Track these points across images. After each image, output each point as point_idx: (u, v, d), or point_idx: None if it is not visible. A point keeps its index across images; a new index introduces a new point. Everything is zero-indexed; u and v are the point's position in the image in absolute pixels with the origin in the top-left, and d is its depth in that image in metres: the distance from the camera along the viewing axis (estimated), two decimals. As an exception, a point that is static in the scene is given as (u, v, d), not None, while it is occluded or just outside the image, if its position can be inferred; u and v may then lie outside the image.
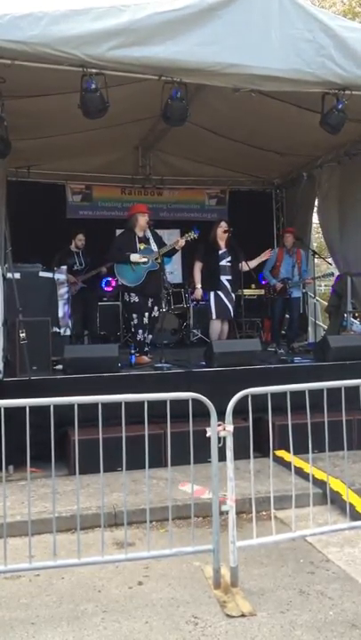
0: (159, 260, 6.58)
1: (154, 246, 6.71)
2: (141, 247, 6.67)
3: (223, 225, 7.05)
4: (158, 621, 2.87)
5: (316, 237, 13.53)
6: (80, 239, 8.17)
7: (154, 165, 9.58)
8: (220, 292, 6.86)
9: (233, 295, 6.98)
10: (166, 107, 5.28)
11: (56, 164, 8.98)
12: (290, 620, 2.87)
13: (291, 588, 3.20)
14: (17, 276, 5.77)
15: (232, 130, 7.72)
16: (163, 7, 4.82)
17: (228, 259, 6.94)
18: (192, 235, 6.70)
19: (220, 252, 6.94)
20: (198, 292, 6.96)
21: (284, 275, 7.88)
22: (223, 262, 6.91)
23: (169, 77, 5.08)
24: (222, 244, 6.98)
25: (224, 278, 6.89)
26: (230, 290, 6.92)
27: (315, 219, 10.37)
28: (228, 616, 2.90)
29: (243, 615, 2.91)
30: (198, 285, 6.92)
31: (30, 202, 8.56)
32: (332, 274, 8.87)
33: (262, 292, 8.67)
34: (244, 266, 6.99)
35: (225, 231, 6.97)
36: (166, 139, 8.28)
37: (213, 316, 6.92)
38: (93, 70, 4.84)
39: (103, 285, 9.04)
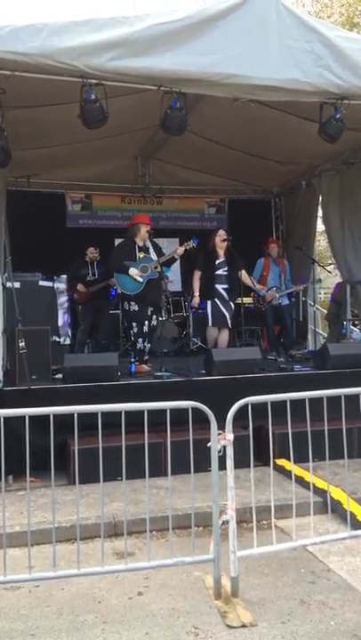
0: (158, 269, 6.61)
1: (153, 255, 6.75)
2: (141, 256, 6.71)
3: (221, 234, 7.08)
4: (159, 632, 2.86)
5: (317, 245, 13.54)
6: (92, 252, 8.29)
7: (153, 174, 9.63)
8: (216, 300, 6.90)
9: (232, 304, 7.00)
10: (166, 116, 5.31)
11: (56, 174, 9.01)
12: (291, 630, 2.85)
13: (292, 597, 3.19)
14: (17, 285, 5.78)
15: (231, 139, 7.77)
16: (162, 18, 4.86)
17: (225, 268, 6.97)
18: (191, 244, 6.75)
19: (218, 261, 6.98)
20: (196, 300, 7.02)
21: (272, 284, 7.99)
22: (220, 271, 6.95)
23: (168, 88, 5.11)
24: (221, 252, 7.01)
25: (220, 287, 6.93)
26: (227, 298, 6.94)
27: (319, 226, 10.41)
28: (228, 626, 2.89)
29: (243, 626, 2.89)
30: (196, 293, 6.97)
31: (30, 211, 8.58)
32: (320, 280, 8.93)
33: (252, 300, 8.70)
34: (243, 276, 7.03)
35: (223, 240, 7.00)
36: (166, 148, 8.33)
37: (209, 323, 7.00)
38: (93, 81, 4.87)
39: (112, 295, 9.06)
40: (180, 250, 6.75)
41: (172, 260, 6.92)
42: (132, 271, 6.58)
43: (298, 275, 8.56)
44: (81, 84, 4.88)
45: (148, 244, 6.84)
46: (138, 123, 7.00)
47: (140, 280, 6.58)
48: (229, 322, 6.98)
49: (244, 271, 7.12)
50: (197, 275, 7.00)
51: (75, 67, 4.67)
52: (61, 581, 3.29)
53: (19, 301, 5.46)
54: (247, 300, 8.92)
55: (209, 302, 6.92)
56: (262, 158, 8.38)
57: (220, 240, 7.00)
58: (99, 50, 4.68)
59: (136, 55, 4.77)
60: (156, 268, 6.62)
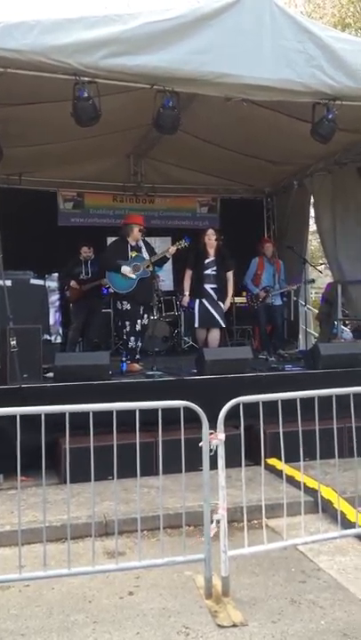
0: (150, 268, 6.61)
1: (145, 254, 6.76)
2: (133, 255, 6.71)
3: (210, 233, 7.10)
4: (149, 632, 2.85)
5: (308, 245, 13.58)
6: (85, 251, 8.25)
7: (145, 173, 9.62)
8: (204, 301, 6.89)
9: (221, 303, 6.97)
10: (158, 115, 5.31)
11: (48, 172, 8.98)
12: (281, 629, 2.86)
13: (282, 597, 3.19)
14: (8, 283, 5.74)
15: (223, 138, 7.77)
16: (155, 17, 4.86)
17: (215, 267, 6.96)
18: (183, 243, 6.76)
19: (207, 260, 6.99)
20: (185, 300, 7.06)
21: (266, 283, 8.01)
22: (208, 271, 6.95)
23: (161, 86, 5.11)
24: (211, 252, 7.02)
25: (208, 287, 6.92)
26: (216, 298, 6.93)
27: (311, 226, 10.44)
28: (219, 626, 2.89)
29: (234, 625, 2.89)
30: (186, 293, 6.99)
31: (21, 209, 8.54)
32: (313, 280, 8.97)
33: (244, 299, 8.73)
34: (230, 276, 7.04)
35: (211, 239, 7.02)
36: (158, 147, 8.33)
37: (196, 324, 7.00)
38: (86, 79, 4.87)
39: (104, 294, 9.05)
40: (172, 249, 6.75)
41: (163, 260, 6.91)
42: (125, 269, 6.58)
43: (290, 274, 8.58)
44: (74, 81, 4.88)
45: (141, 243, 6.86)
46: (130, 121, 6.99)
47: (133, 277, 6.57)
48: (220, 321, 6.94)
49: (230, 273, 7.09)
50: (188, 274, 7.01)
51: (67, 64, 4.66)
52: (52, 581, 3.28)
53: (10, 300, 5.42)
54: (239, 299, 8.95)
55: (197, 302, 6.94)
56: (255, 158, 8.40)
57: (209, 239, 7.01)
58: (92, 47, 4.68)
59: (129, 53, 4.77)
60: (148, 267, 6.61)
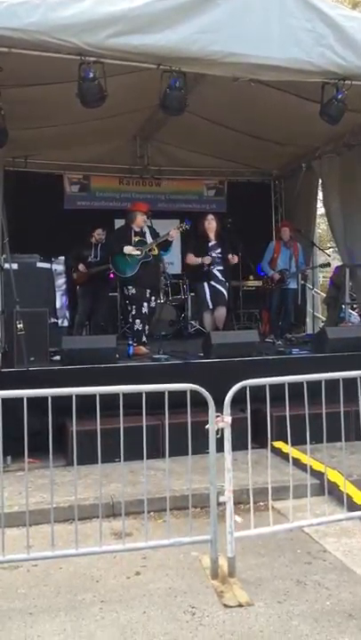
0: (154, 252, 6.64)
1: (149, 239, 6.80)
2: (136, 239, 6.75)
3: (208, 217, 7.17)
4: (156, 611, 2.88)
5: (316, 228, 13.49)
6: (99, 233, 8.22)
7: (152, 156, 9.53)
8: (212, 283, 6.94)
9: (226, 284, 7.04)
10: (165, 96, 5.24)
11: (53, 154, 8.92)
12: (287, 610, 2.88)
13: (288, 578, 3.22)
14: (14, 266, 5.75)
15: (231, 120, 7.68)
16: (162, -5, 4.77)
17: (218, 250, 7.00)
18: (184, 226, 6.80)
19: (210, 243, 7.02)
20: (207, 259, 6.90)
21: (282, 266, 8.02)
22: (213, 254, 6.97)
23: (167, 66, 5.04)
24: (212, 235, 7.07)
25: (215, 269, 6.95)
26: (222, 278, 6.98)
27: (319, 209, 10.35)
28: (225, 606, 2.91)
29: (240, 605, 2.92)
30: (199, 260, 6.90)
31: (27, 192, 8.50)
32: (329, 264, 8.91)
33: (260, 283, 8.73)
34: (232, 259, 7.05)
35: (211, 223, 7.05)
36: (165, 129, 8.24)
37: (210, 306, 6.97)
38: (91, 59, 4.80)
39: (111, 278, 9.04)
40: (173, 232, 6.79)
41: (167, 243, 6.95)
42: (127, 248, 6.62)
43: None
44: (79, 61, 4.81)
45: (145, 229, 6.90)
46: (136, 103, 6.91)
47: (137, 253, 6.57)
48: (227, 299, 7.03)
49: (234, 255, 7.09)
50: (192, 257, 7.07)
51: (73, 43, 4.59)
52: (59, 561, 3.32)
53: (16, 283, 5.43)
54: (246, 283, 8.94)
55: (205, 285, 6.93)
56: (262, 140, 8.30)
57: (209, 224, 7.04)
58: (97, 26, 4.60)
59: (135, 32, 4.69)
60: (150, 250, 6.63)
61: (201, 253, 6.98)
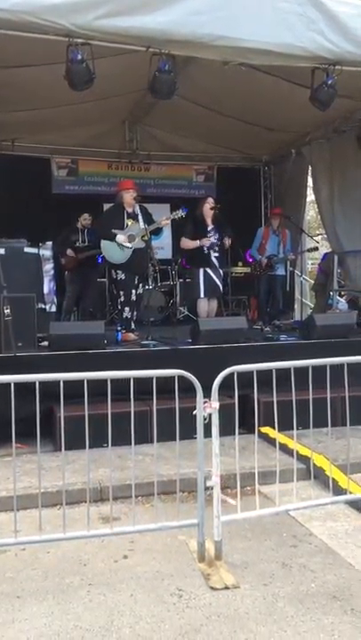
0: (146, 238, 6.52)
1: (142, 223, 6.60)
2: (129, 223, 6.60)
3: (210, 201, 7.02)
4: (143, 594, 2.91)
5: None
6: (85, 219, 8.16)
7: (141, 140, 9.46)
8: (208, 270, 6.84)
9: (221, 272, 6.98)
10: (154, 79, 5.18)
11: (41, 138, 8.82)
12: (272, 592, 2.92)
13: (274, 561, 3.26)
14: (2, 251, 5.70)
15: (221, 104, 7.63)
16: (151, -24, 4.70)
17: (216, 236, 6.91)
18: (180, 213, 6.65)
19: (209, 228, 6.92)
20: (206, 240, 6.80)
21: (270, 252, 8.01)
22: (212, 239, 6.87)
23: (157, 49, 4.98)
24: (209, 220, 6.96)
25: (213, 255, 6.87)
26: (218, 266, 6.92)
27: (309, 196, 10.34)
28: (212, 588, 2.95)
29: (226, 587, 2.95)
30: (198, 242, 6.77)
31: (15, 176, 8.42)
32: (317, 248, 8.93)
33: (248, 269, 8.72)
34: (227, 243, 6.96)
35: (212, 207, 6.93)
36: (154, 113, 8.17)
37: (202, 295, 6.90)
38: (79, 40, 4.73)
39: (99, 263, 8.97)
40: (167, 220, 6.66)
41: (158, 230, 6.83)
42: (120, 238, 6.49)
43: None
44: (67, 43, 4.74)
45: (138, 210, 6.66)
46: (125, 86, 6.83)
47: (129, 245, 6.49)
48: (221, 290, 6.97)
49: (229, 240, 6.98)
50: (186, 242, 6.91)
51: (60, 24, 4.51)
52: (47, 545, 3.33)
53: (3, 268, 5.38)
54: (235, 269, 8.93)
55: (201, 272, 6.85)
56: (253, 125, 8.26)
57: (209, 207, 6.93)
58: (86, 7, 4.53)
59: (124, 14, 4.63)
60: (143, 237, 6.52)
61: (199, 238, 6.82)
